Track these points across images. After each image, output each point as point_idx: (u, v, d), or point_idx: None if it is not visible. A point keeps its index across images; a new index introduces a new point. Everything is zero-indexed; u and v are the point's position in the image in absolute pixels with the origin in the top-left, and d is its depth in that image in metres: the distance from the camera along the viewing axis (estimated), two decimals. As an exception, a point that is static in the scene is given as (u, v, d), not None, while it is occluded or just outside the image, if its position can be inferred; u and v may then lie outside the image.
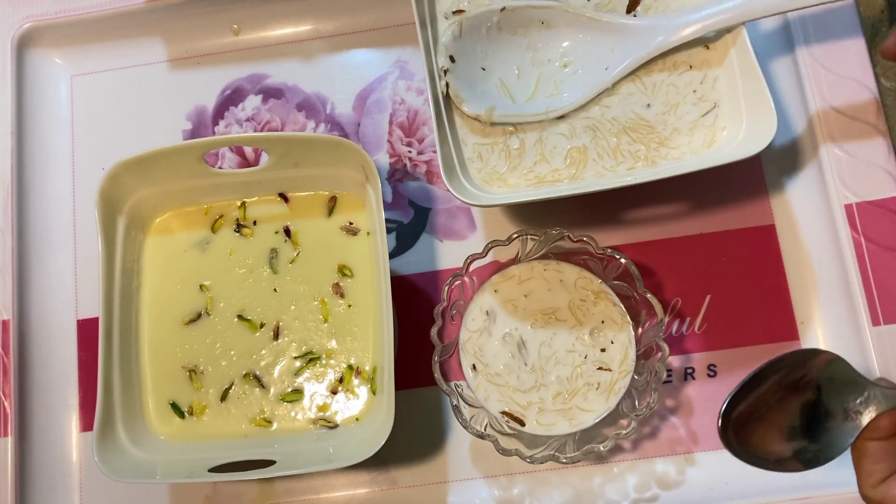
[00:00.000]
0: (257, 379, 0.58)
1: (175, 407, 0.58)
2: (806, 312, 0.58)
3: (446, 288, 0.54)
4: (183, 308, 0.59)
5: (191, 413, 0.57)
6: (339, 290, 0.58)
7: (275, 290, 0.59)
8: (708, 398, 0.57)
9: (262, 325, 0.58)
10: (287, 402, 0.57)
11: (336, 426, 0.56)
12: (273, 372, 0.58)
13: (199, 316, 0.59)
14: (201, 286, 0.59)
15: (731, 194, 0.60)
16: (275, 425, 0.57)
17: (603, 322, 0.55)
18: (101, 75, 0.66)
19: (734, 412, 0.47)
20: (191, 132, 0.65)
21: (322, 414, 0.57)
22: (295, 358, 0.58)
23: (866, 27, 0.60)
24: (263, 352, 0.58)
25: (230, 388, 0.58)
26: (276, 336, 0.58)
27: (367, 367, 0.57)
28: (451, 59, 0.55)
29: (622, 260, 0.53)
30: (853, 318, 0.56)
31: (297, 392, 0.57)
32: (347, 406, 0.57)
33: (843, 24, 0.59)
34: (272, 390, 0.57)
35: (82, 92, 0.66)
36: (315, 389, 0.57)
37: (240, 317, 0.59)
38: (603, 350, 0.55)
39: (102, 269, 0.55)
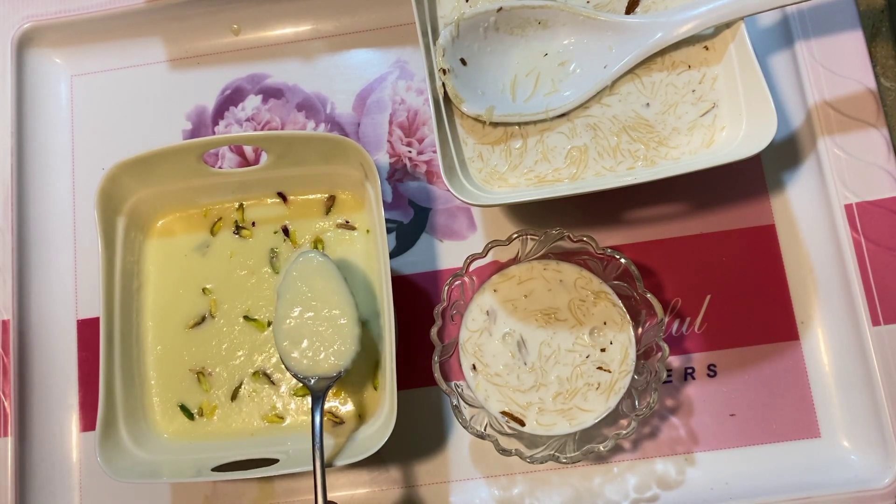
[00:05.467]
0: (267, 376, 0.58)
1: (184, 409, 0.58)
2: (806, 312, 0.58)
3: (446, 288, 0.54)
4: (186, 312, 0.59)
5: (201, 414, 0.58)
6: None
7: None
8: (708, 398, 0.57)
9: (269, 324, 0.58)
10: (299, 396, 0.57)
11: (342, 422, 0.56)
12: (282, 368, 0.58)
13: (203, 319, 0.59)
14: (204, 290, 0.59)
15: (731, 194, 0.60)
16: (287, 420, 0.57)
17: (604, 322, 0.55)
18: (101, 75, 0.66)
19: None
20: (191, 132, 0.65)
21: (330, 405, 0.57)
22: None
23: (866, 27, 0.60)
24: (272, 349, 0.58)
25: (240, 387, 0.58)
26: None
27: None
28: (449, 59, 0.55)
29: (622, 260, 0.53)
30: (853, 318, 0.56)
31: None
32: (351, 403, 0.57)
33: (843, 23, 0.59)
34: (283, 387, 0.58)
35: (82, 92, 0.66)
36: None
37: (246, 317, 0.59)
38: (603, 350, 0.55)
39: (102, 270, 0.55)
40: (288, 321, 0.53)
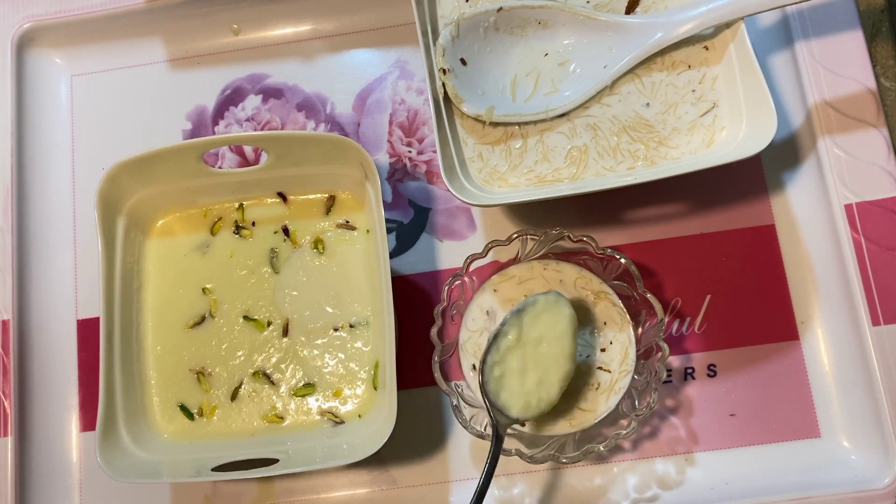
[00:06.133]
0: (267, 376, 0.58)
1: (184, 409, 0.58)
2: (806, 312, 0.58)
3: (446, 288, 0.54)
4: (186, 312, 0.59)
5: (200, 414, 0.58)
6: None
7: (277, 289, 0.59)
8: (708, 398, 0.57)
9: (269, 324, 0.58)
10: (299, 396, 0.57)
11: (342, 422, 0.56)
12: (282, 368, 0.58)
13: (203, 319, 0.59)
14: (204, 289, 0.59)
15: (731, 194, 0.60)
16: (287, 420, 0.57)
17: (604, 322, 0.55)
18: (101, 75, 0.66)
19: None
20: (191, 132, 0.65)
21: (330, 405, 0.57)
22: (303, 355, 0.58)
23: (866, 27, 0.60)
24: (271, 349, 0.58)
25: (240, 387, 0.58)
26: (286, 333, 0.58)
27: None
28: (449, 59, 0.55)
29: (622, 260, 0.53)
30: (853, 318, 0.56)
31: (309, 386, 0.57)
32: (351, 402, 0.57)
33: (843, 23, 0.59)
34: (283, 387, 0.58)
35: (82, 92, 0.66)
36: (323, 385, 0.57)
37: (245, 317, 0.59)
38: (603, 350, 0.55)
39: (102, 270, 0.55)
40: (507, 345, 0.51)
